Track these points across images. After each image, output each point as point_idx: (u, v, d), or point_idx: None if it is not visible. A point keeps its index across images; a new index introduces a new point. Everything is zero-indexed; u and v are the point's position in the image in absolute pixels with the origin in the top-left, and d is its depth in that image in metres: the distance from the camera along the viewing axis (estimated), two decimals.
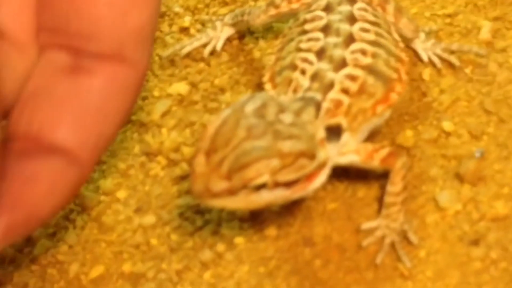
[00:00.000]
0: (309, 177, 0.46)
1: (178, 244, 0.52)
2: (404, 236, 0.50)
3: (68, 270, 0.51)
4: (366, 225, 0.51)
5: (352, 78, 0.49)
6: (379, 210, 0.52)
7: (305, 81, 0.49)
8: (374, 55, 0.51)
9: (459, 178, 0.53)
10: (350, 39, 0.51)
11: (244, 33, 0.63)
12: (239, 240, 0.51)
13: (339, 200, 0.53)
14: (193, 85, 0.60)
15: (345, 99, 0.49)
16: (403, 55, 0.53)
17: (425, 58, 0.59)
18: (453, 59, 0.59)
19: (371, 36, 0.52)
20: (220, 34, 0.62)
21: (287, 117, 0.46)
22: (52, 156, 0.39)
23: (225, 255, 0.51)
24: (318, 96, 0.48)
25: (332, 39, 0.51)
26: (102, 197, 0.54)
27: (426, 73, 0.59)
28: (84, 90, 0.40)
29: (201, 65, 0.62)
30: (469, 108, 0.57)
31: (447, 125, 0.56)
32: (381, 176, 0.52)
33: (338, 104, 0.49)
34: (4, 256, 0.52)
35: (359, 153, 0.50)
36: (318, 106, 0.48)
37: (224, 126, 0.45)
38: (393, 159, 0.50)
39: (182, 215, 0.53)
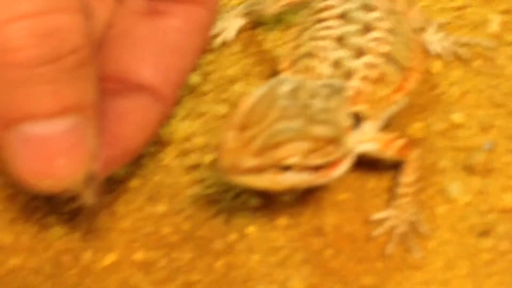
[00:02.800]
0: (333, 164, 0.46)
1: (190, 233, 0.52)
2: (414, 227, 0.51)
3: (81, 257, 0.52)
4: (376, 216, 0.51)
5: (372, 66, 0.50)
6: (389, 201, 0.52)
7: (326, 69, 0.50)
8: (391, 44, 0.51)
9: (469, 170, 0.53)
10: (367, 27, 0.51)
11: (256, 24, 0.64)
12: (250, 229, 0.52)
13: (349, 190, 0.53)
14: (205, 75, 0.60)
15: (366, 87, 0.49)
16: (418, 44, 0.53)
17: (434, 51, 0.60)
18: (462, 52, 0.60)
19: (387, 25, 0.52)
20: (232, 25, 0.63)
21: (318, 102, 0.46)
22: (139, 94, 0.41)
23: (237, 244, 0.51)
24: (340, 84, 0.48)
25: (349, 27, 0.51)
26: (114, 186, 0.55)
27: (436, 65, 0.59)
28: (163, 31, 0.42)
29: (213, 55, 0.62)
30: (478, 101, 0.57)
31: (456, 117, 0.56)
32: (392, 167, 0.53)
33: (359, 91, 0.49)
34: (18, 242, 0.52)
35: (377, 141, 0.50)
36: (342, 93, 0.48)
37: (258, 104, 0.45)
38: (409, 150, 0.50)
39: (193, 204, 0.53)
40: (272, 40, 0.63)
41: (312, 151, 0.45)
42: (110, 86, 0.41)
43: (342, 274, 0.50)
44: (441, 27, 0.61)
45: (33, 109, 0.35)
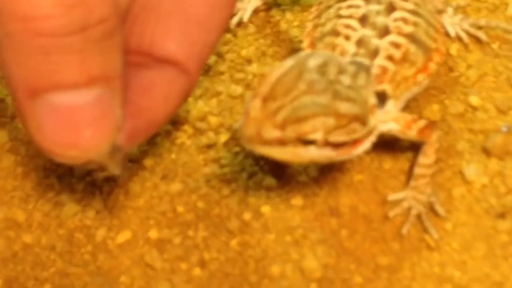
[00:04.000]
0: (356, 142, 0.46)
1: (205, 212, 0.52)
2: (431, 208, 0.50)
3: (95, 235, 0.51)
4: (393, 197, 0.51)
5: (396, 45, 0.50)
6: (405, 182, 0.52)
7: (350, 46, 0.49)
8: (415, 24, 0.51)
9: (486, 152, 0.53)
10: (391, 7, 0.51)
11: (271, 5, 0.63)
12: (265, 209, 0.52)
13: (365, 171, 0.53)
14: (220, 56, 0.60)
15: (390, 66, 0.49)
16: (439, 26, 0.53)
17: (452, 33, 0.59)
18: (480, 34, 0.59)
19: (410, 5, 0.52)
20: (247, 5, 0.62)
21: (345, 79, 0.46)
22: (164, 67, 0.41)
23: (252, 224, 0.51)
24: (366, 62, 0.48)
25: (373, 7, 0.51)
26: (129, 164, 0.54)
27: (454, 48, 0.59)
28: (188, 4, 0.41)
29: (228, 36, 0.62)
30: (496, 83, 0.57)
31: (474, 100, 0.56)
32: (408, 149, 0.53)
33: (384, 70, 0.49)
34: (32, 219, 0.52)
35: (398, 121, 0.50)
36: (368, 71, 0.48)
37: (286, 76, 0.45)
38: (430, 131, 0.50)
39: (208, 183, 0.53)
40: (288, 21, 0.63)
41: (336, 128, 0.44)
42: (134, 59, 0.41)
43: (357, 254, 0.49)
44: (460, 9, 0.61)
45: (60, 79, 0.35)
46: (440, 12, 0.59)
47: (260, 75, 0.59)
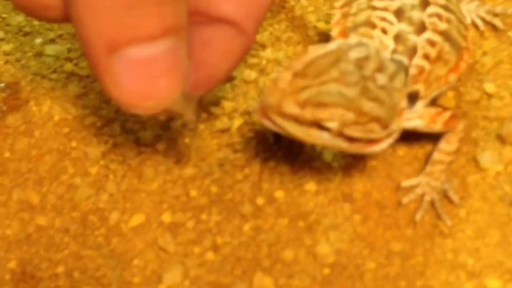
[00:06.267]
0: (372, 141, 0.46)
1: (218, 196, 0.52)
2: (445, 195, 0.50)
3: (108, 218, 0.51)
4: (407, 183, 0.51)
5: (432, 43, 0.49)
6: (419, 169, 0.52)
7: (389, 41, 0.48)
8: (448, 21, 0.50)
9: (501, 139, 0.53)
10: (425, 1, 0.50)
11: None
12: (279, 194, 0.52)
13: (379, 158, 0.53)
14: None
15: (426, 66, 0.48)
16: (467, 22, 0.52)
17: (468, 20, 0.59)
18: (496, 21, 0.59)
19: (442, 1, 0.51)
20: None
21: (382, 78, 0.45)
22: (222, 25, 0.43)
23: (265, 208, 0.51)
24: (406, 61, 0.47)
25: (408, 0, 0.50)
26: (143, 148, 0.54)
27: (469, 35, 0.58)
28: None
29: None
30: (511, 71, 0.57)
31: (489, 87, 0.56)
32: (422, 136, 0.52)
33: (421, 70, 0.48)
34: (46, 202, 0.52)
35: (423, 117, 0.49)
36: (406, 72, 0.47)
37: (323, 58, 0.44)
38: (456, 121, 0.49)
39: (221, 168, 0.53)
40: (303, 6, 0.62)
41: (354, 123, 0.44)
42: (192, 19, 0.42)
43: (370, 240, 0.49)
44: None
45: (139, 32, 0.36)
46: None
47: (274, 60, 0.59)
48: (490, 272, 0.48)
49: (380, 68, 0.45)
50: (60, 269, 0.49)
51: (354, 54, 0.45)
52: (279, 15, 0.62)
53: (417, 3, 0.50)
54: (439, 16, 0.50)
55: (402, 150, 0.53)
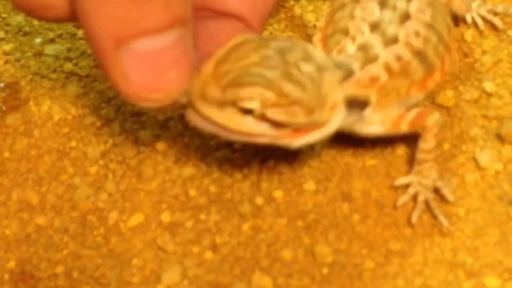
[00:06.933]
0: (300, 130, 0.46)
1: (217, 196, 0.52)
2: (438, 194, 0.50)
3: (107, 218, 0.52)
4: (400, 181, 0.51)
5: (398, 58, 0.48)
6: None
7: (351, 47, 0.49)
8: (425, 40, 0.49)
9: (500, 138, 0.53)
10: (406, 16, 0.50)
11: None
12: (278, 193, 0.52)
13: (378, 157, 0.53)
14: None
15: (383, 76, 0.48)
16: (452, 44, 0.52)
17: (468, 18, 0.59)
18: (496, 21, 0.59)
19: (427, 18, 0.50)
20: None
21: (306, 66, 0.45)
22: (229, 19, 0.43)
23: (264, 208, 0.51)
24: (355, 66, 0.47)
25: (388, 14, 0.50)
26: (142, 148, 0.55)
27: (469, 34, 0.59)
28: None
29: None
30: (511, 70, 0.56)
31: (488, 86, 0.55)
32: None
33: (374, 79, 0.48)
34: (45, 202, 0.52)
35: (385, 123, 0.49)
36: (349, 74, 0.47)
37: (244, 45, 0.44)
38: (422, 119, 0.49)
39: (221, 167, 0.53)
40: (302, 6, 0.62)
41: (275, 105, 0.44)
42: (198, 14, 0.42)
43: (369, 239, 0.49)
44: None
45: (147, 24, 0.37)
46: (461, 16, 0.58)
47: None
48: (489, 271, 0.48)
49: (305, 58, 0.45)
50: (59, 269, 0.50)
51: (276, 43, 0.45)
52: (279, 14, 0.62)
53: (396, 17, 0.50)
54: (417, 34, 0.49)
55: (401, 149, 0.53)
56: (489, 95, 0.55)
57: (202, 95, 0.43)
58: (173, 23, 0.37)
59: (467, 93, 0.55)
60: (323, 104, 0.45)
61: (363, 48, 0.49)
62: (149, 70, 0.38)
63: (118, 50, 0.37)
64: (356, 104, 0.48)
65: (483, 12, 0.59)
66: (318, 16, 0.61)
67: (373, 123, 0.49)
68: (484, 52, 0.58)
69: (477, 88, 0.56)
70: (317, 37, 0.53)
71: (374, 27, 0.49)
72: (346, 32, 0.50)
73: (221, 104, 0.44)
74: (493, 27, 0.59)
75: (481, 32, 0.59)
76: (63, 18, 0.40)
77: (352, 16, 0.51)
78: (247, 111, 0.44)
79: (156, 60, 0.38)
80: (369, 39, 0.49)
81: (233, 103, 0.43)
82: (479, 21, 0.59)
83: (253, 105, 0.44)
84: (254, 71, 0.44)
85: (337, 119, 0.47)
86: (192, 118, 0.45)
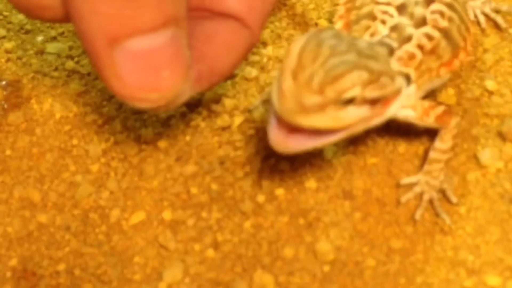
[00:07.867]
0: (387, 100, 0.46)
1: (219, 194, 0.52)
2: (443, 195, 0.50)
3: (109, 215, 0.52)
4: (406, 180, 0.51)
5: (429, 37, 0.49)
6: (419, 166, 0.52)
7: (384, 29, 0.49)
8: (450, 19, 0.50)
9: (501, 136, 0.53)
10: None
11: None
12: (279, 191, 0.52)
13: (379, 155, 0.53)
14: None
15: (419, 54, 0.48)
16: (470, 23, 0.53)
17: (471, 16, 0.59)
18: (499, 19, 0.59)
19: None
20: None
21: (361, 43, 0.45)
22: (226, 19, 0.43)
23: (265, 206, 0.51)
24: (394, 44, 0.48)
25: None
26: (143, 146, 0.55)
27: (470, 37, 0.58)
28: None
29: None
30: None
31: (490, 84, 0.56)
32: (422, 133, 0.52)
33: (412, 56, 0.48)
34: (47, 199, 0.53)
35: (416, 109, 0.49)
36: (391, 51, 0.47)
37: (307, 46, 0.44)
38: (448, 117, 0.49)
39: (222, 165, 0.53)
40: (304, 3, 0.63)
41: (369, 82, 0.44)
42: (195, 14, 0.42)
43: (370, 237, 0.49)
44: None
45: (140, 23, 0.36)
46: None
47: (275, 58, 0.59)
48: (490, 269, 0.48)
49: (355, 39, 0.46)
50: (61, 267, 0.50)
51: (326, 33, 0.45)
52: (280, 13, 0.62)
53: (421, 0, 0.50)
54: (441, 14, 0.50)
55: (402, 147, 0.53)
56: (491, 93, 0.55)
57: (300, 107, 0.43)
58: (167, 22, 0.37)
59: (468, 91, 0.55)
60: (393, 70, 0.46)
61: (396, 29, 0.49)
62: (143, 69, 0.37)
63: (112, 50, 0.37)
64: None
65: (487, 10, 0.59)
66: (320, 14, 0.61)
67: (408, 107, 0.49)
68: (485, 51, 0.58)
69: (478, 86, 0.56)
70: (339, 24, 0.53)
71: (402, 9, 0.50)
72: (372, 17, 0.50)
73: (323, 107, 0.43)
74: (495, 25, 0.59)
75: (482, 30, 0.59)
76: (61, 18, 0.40)
77: (376, 2, 0.51)
78: (348, 102, 0.44)
79: (149, 59, 0.37)
80: (399, 21, 0.49)
81: (335, 100, 0.43)
82: (482, 19, 0.59)
83: (355, 91, 0.43)
84: (337, 62, 0.43)
85: (405, 86, 0.47)
86: (281, 142, 0.44)
